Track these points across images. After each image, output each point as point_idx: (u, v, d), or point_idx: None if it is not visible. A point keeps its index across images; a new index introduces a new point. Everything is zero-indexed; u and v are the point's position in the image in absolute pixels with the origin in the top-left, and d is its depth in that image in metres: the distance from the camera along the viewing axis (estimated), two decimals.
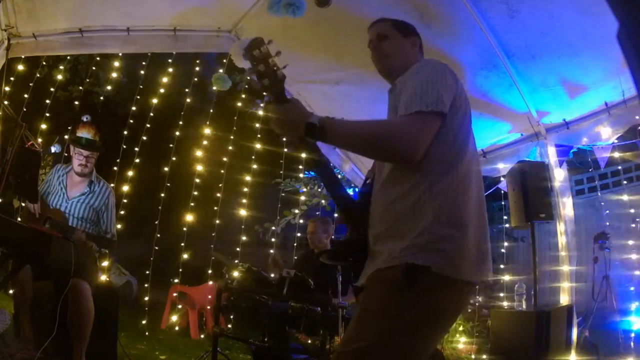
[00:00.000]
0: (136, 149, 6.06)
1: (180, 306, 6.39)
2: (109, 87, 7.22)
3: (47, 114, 5.66)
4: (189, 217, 6.16)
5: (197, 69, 6.51)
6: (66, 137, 4.72)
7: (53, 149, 3.45)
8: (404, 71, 1.62)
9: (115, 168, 5.82)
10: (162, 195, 6.15)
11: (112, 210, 3.58)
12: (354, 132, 1.50)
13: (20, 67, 4.97)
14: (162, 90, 6.32)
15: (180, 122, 6.35)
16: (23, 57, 4.53)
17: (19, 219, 3.78)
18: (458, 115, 1.51)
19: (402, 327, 1.35)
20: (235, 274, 3.54)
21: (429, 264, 1.37)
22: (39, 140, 4.33)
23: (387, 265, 1.42)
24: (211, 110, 6.58)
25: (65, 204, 3.41)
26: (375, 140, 1.46)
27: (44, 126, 5.50)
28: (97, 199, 3.49)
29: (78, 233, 3.15)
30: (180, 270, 6.23)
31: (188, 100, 6.49)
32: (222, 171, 6.54)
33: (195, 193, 6.28)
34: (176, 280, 6.36)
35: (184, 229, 6.16)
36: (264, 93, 1.50)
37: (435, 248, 1.39)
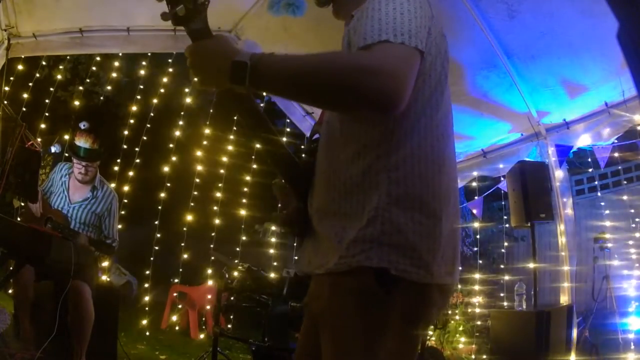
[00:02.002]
0: (136, 149, 6.06)
1: (180, 306, 6.39)
2: (109, 87, 7.22)
3: (47, 114, 5.66)
4: (189, 217, 6.16)
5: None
6: (66, 137, 4.72)
7: (53, 149, 3.43)
8: (361, 2, 1.22)
9: (115, 168, 5.83)
10: (162, 195, 6.15)
11: (114, 216, 3.54)
12: (306, 67, 1.02)
13: (20, 67, 4.97)
14: (162, 90, 6.33)
15: (180, 122, 6.36)
16: (23, 57, 4.54)
17: (19, 219, 3.78)
18: (432, 54, 1.11)
19: (380, 346, 1.07)
20: (235, 274, 3.54)
21: (385, 265, 1.03)
22: (39, 140, 4.32)
23: (335, 270, 1.08)
24: (211, 110, 6.58)
25: (67, 207, 3.39)
26: (340, 77, 0.99)
27: (43, 126, 5.51)
28: (99, 205, 3.46)
29: (82, 238, 3.14)
30: (180, 270, 6.24)
31: (188, 100, 6.50)
32: (222, 171, 6.55)
33: (195, 193, 6.29)
34: (176, 280, 6.36)
35: (184, 228, 6.17)
36: (180, 27, 1.06)
37: (395, 242, 1.04)
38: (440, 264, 1.09)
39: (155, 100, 6.28)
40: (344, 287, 1.09)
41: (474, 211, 5.92)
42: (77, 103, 6.59)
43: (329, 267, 1.11)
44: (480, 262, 6.57)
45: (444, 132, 1.16)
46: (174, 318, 6.30)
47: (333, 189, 1.15)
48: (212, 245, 6.07)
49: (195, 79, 1.08)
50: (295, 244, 7.54)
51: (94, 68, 7.13)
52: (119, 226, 3.79)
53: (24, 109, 5.24)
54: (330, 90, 1.02)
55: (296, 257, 6.63)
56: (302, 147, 1.34)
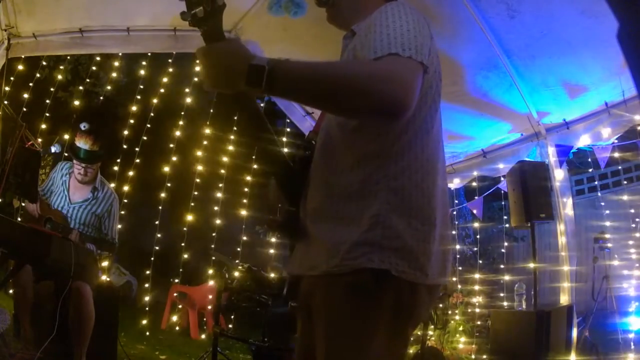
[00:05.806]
0: (136, 149, 6.06)
1: (180, 306, 6.39)
2: (109, 87, 7.23)
3: (47, 114, 5.66)
4: (189, 217, 6.16)
5: (197, 69, 6.50)
6: (66, 137, 4.72)
7: (53, 149, 3.43)
8: (359, 13, 1.29)
9: (115, 168, 5.83)
10: (162, 195, 6.15)
11: (114, 217, 3.53)
12: (320, 73, 1.07)
13: (20, 67, 4.97)
14: (162, 90, 6.33)
15: (180, 122, 6.36)
16: (23, 57, 4.54)
17: (19, 219, 3.78)
18: (429, 73, 1.17)
19: (376, 343, 1.12)
20: (235, 274, 3.55)
21: (387, 267, 1.10)
22: (39, 140, 4.32)
23: (336, 272, 1.13)
24: (211, 110, 6.58)
25: (67, 207, 3.38)
26: (353, 81, 1.04)
27: (44, 126, 5.50)
28: (99, 206, 3.45)
29: (73, 234, 3.13)
30: (181, 270, 6.24)
31: (188, 100, 6.49)
32: (223, 171, 6.55)
33: (196, 193, 6.28)
34: (176, 280, 6.37)
35: (184, 228, 6.16)
36: (197, 29, 1.09)
37: (395, 246, 1.12)
38: (434, 266, 1.17)
39: (155, 100, 6.28)
40: (339, 286, 1.14)
41: (474, 211, 5.92)
42: (77, 103, 6.58)
43: (323, 269, 1.16)
44: (480, 262, 6.56)
45: (437, 146, 1.24)
46: (174, 318, 6.30)
47: (331, 193, 1.20)
48: (212, 245, 6.07)
49: (205, 80, 1.08)
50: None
51: (94, 68, 7.12)
52: (119, 226, 3.78)
53: (24, 109, 5.23)
54: (343, 95, 1.06)
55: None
56: (298, 153, 1.39)
